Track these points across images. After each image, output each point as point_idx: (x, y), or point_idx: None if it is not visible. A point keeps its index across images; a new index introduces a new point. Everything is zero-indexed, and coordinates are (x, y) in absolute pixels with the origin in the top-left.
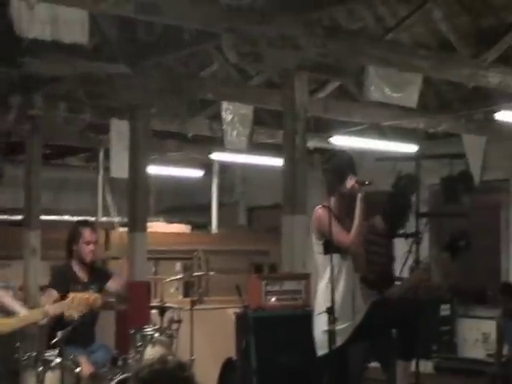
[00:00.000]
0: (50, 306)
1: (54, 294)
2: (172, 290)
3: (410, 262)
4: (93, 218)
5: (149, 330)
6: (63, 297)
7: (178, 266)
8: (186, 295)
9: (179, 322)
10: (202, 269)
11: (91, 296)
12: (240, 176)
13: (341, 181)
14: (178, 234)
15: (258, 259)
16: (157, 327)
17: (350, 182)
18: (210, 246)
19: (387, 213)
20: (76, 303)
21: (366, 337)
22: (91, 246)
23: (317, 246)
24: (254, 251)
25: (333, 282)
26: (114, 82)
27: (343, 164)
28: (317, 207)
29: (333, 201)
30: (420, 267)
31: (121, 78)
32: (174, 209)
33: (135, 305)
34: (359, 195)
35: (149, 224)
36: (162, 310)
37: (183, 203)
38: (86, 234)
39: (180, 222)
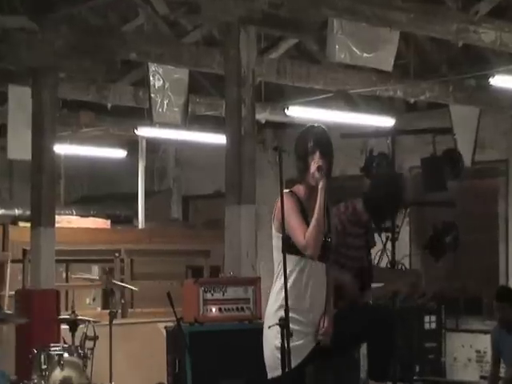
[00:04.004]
0: None
1: None
2: (88, 301)
3: (385, 262)
4: None
5: (56, 349)
6: None
7: (96, 270)
8: (105, 307)
9: (95, 339)
10: (126, 274)
11: None
12: (173, 157)
13: (305, 166)
14: (96, 231)
15: (196, 261)
16: (66, 346)
17: (313, 166)
18: (135, 245)
19: (370, 202)
20: None
21: (329, 355)
22: None
23: (276, 240)
24: (191, 251)
25: (286, 287)
26: (14, 38)
27: (305, 144)
28: (284, 191)
29: (302, 188)
30: (411, 273)
31: (22, 34)
32: (90, 199)
33: (40, 318)
34: (320, 184)
35: (57, 218)
36: (74, 325)
37: (101, 192)
38: None
39: (98, 215)
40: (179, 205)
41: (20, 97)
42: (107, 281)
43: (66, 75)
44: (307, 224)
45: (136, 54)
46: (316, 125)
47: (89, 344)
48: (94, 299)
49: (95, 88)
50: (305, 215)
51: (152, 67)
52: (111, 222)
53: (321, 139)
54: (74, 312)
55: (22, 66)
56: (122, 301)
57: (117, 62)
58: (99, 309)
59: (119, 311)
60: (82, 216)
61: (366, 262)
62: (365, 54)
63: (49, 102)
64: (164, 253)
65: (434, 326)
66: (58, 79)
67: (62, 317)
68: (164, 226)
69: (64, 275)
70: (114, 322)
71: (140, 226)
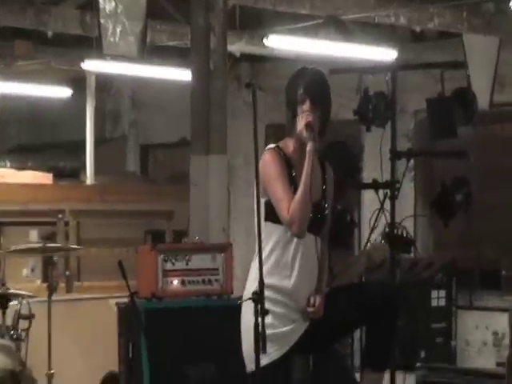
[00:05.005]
0: None
1: None
2: (25, 272)
3: (383, 224)
4: None
5: None
6: None
7: (34, 234)
8: (46, 279)
9: (30, 317)
10: (71, 239)
11: None
12: (128, 97)
13: (294, 116)
14: (34, 187)
15: (156, 224)
16: None
17: (301, 122)
18: (82, 204)
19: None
20: None
21: (319, 343)
22: None
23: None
24: (151, 212)
25: (261, 259)
26: None
27: (295, 90)
28: (267, 147)
29: (291, 142)
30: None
31: None
32: (28, 148)
33: None
34: (308, 146)
35: None
36: (4, 300)
37: (42, 139)
38: None
39: (37, 167)
40: (136, 155)
41: None
42: (50, 247)
43: None
44: (296, 189)
45: None
46: (310, 67)
47: (23, 324)
48: (32, 270)
49: (33, 12)
50: (293, 177)
51: None
52: (53, 176)
53: (313, 85)
54: (4, 285)
55: None
56: (67, 272)
57: None
58: (39, 281)
59: (62, 285)
60: (17, 169)
61: None
62: None
63: None
64: (118, 214)
65: (442, 302)
66: None
67: None
68: (118, 180)
69: None
70: (55, 297)
71: (89, 182)
